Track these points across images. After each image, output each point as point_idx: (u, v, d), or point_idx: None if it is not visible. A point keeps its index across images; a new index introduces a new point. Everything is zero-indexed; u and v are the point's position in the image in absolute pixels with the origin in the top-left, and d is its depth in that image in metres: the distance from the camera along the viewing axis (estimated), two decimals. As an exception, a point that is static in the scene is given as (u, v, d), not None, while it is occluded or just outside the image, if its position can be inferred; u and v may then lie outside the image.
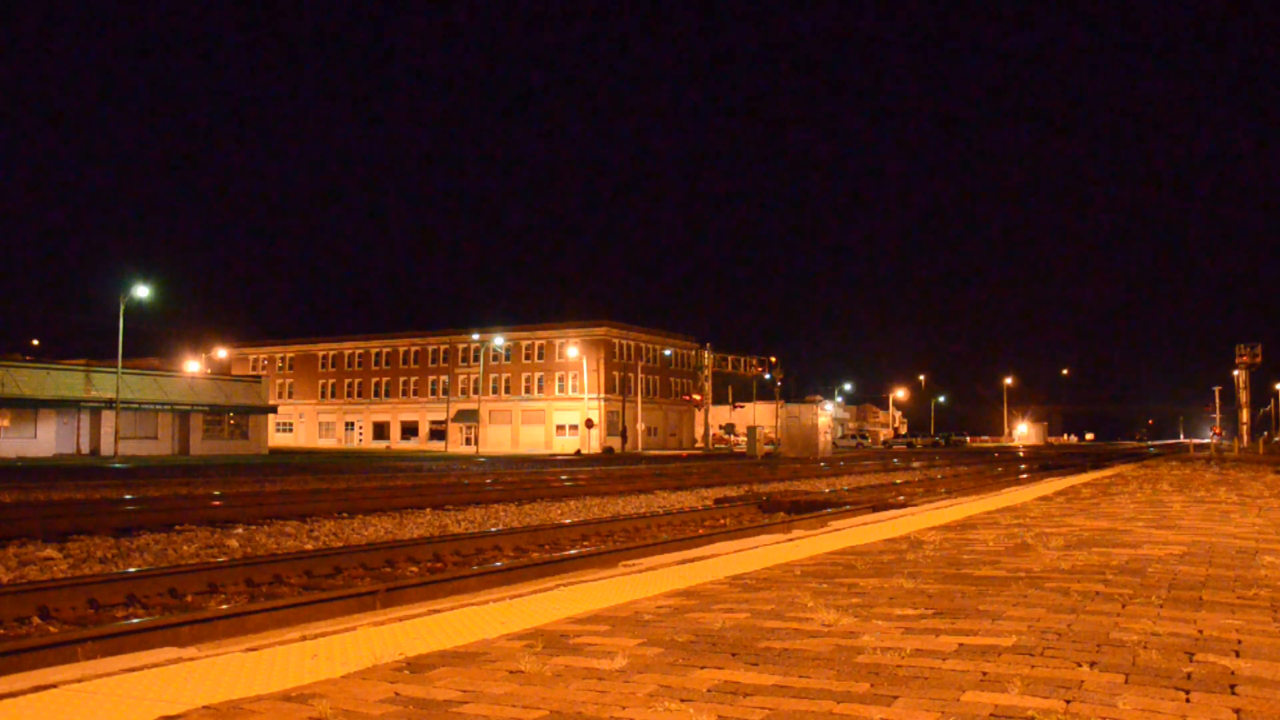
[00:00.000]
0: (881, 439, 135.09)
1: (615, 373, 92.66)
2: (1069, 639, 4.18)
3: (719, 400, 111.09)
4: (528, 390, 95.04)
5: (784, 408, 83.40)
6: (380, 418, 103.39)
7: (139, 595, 8.88)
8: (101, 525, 14.59)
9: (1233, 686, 3.38)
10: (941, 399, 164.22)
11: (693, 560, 7.17)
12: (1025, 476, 32.16)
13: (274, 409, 73.81)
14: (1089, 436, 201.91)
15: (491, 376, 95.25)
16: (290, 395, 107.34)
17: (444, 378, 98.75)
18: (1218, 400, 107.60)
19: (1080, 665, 3.69)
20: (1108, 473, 26.26)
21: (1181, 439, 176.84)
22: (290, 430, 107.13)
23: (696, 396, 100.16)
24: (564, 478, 30.79)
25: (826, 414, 78.30)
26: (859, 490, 25.21)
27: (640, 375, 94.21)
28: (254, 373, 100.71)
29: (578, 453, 78.20)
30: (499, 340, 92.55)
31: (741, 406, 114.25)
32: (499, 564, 11.22)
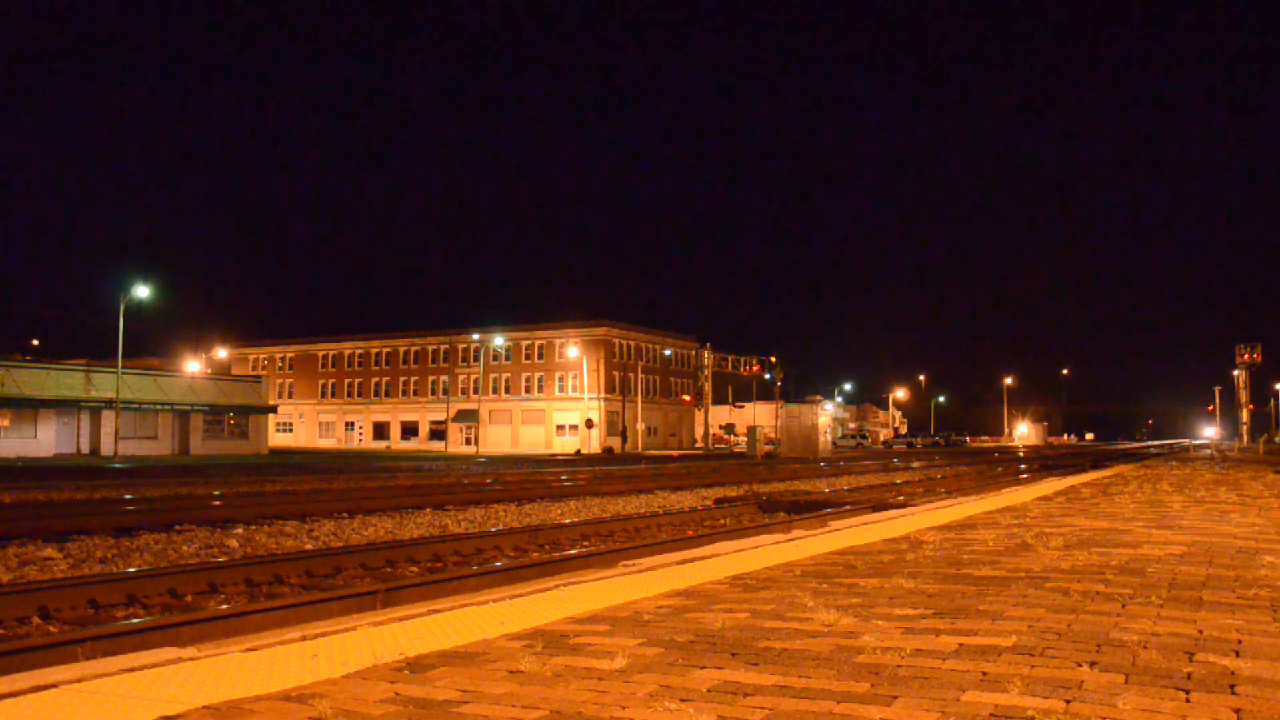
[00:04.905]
0: (881, 439, 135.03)
1: (615, 373, 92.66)
2: (1069, 639, 4.18)
3: (719, 400, 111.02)
4: (528, 390, 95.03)
5: (784, 408, 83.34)
6: (380, 418, 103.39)
7: (139, 595, 8.88)
8: (101, 525, 14.58)
9: (1233, 686, 3.38)
10: (941, 399, 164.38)
11: (693, 560, 7.17)
12: (1025, 476, 32.15)
13: (274, 409, 73.82)
14: (1089, 436, 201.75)
15: (491, 376, 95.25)
16: (290, 395, 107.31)
17: (444, 378, 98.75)
18: (1218, 400, 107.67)
19: (1080, 665, 3.69)
20: (1108, 473, 26.26)
21: (1181, 439, 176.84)
22: (290, 430, 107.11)
23: (687, 397, 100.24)
24: (564, 478, 30.79)
25: (826, 414, 78.24)
26: (859, 490, 25.21)
27: (640, 375, 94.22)
28: (254, 373, 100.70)
29: (578, 453, 78.20)
30: (499, 340, 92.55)
31: (741, 406, 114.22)
32: (499, 564, 11.22)
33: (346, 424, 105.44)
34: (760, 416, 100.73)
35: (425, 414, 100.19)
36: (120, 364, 54.88)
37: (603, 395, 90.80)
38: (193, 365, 79.04)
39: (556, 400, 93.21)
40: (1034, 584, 5.75)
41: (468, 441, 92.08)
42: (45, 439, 56.91)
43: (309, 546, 13.23)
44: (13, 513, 16.33)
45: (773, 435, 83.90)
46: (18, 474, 32.48)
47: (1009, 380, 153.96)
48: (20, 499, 20.24)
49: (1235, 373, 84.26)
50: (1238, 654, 3.88)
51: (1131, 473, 25.28)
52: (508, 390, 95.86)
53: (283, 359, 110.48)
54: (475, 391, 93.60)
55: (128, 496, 20.95)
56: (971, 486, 26.24)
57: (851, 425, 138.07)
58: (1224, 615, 4.72)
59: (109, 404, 56.21)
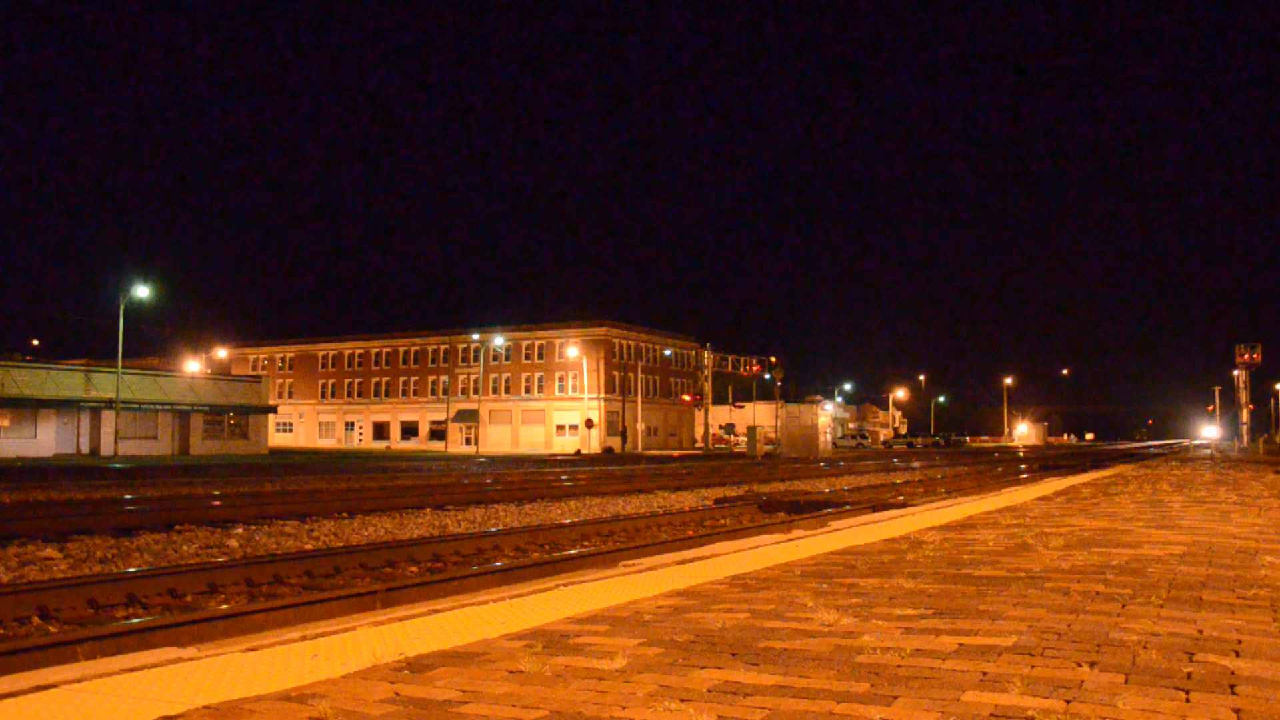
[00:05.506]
0: (881, 439, 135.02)
1: (615, 373, 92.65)
2: (1069, 639, 4.18)
3: (719, 400, 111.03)
4: (528, 390, 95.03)
5: (784, 408, 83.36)
6: (380, 418, 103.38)
7: (139, 595, 8.88)
8: (101, 525, 14.58)
9: (1233, 686, 3.38)
10: (941, 399, 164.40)
11: (693, 560, 7.17)
12: (1025, 476, 32.15)
13: (274, 409, 73.80)
14: (1089, 436, 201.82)
15: (491, 376, 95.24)
16: (290, 395, 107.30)
17: (444, 378, 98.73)
18: (1218, 400, 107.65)
19: (1080, 665, 3.69)
20: (1108, 473, 26.26)
21: (1181, 439, 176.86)
22: (290, 430, 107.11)
23: (687, 396, 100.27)
24: (564, 478, 30.79)
25: (826, 414, 78.40)
26: (859, 490, 25.20)
27: (640, 375, 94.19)
28: (254, 373, 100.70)
29: (578, 453, 78.19)
30: (499, 340, 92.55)
31: (741, 406, 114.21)
32: (499, 564, 11.21)
33: (346, 424, 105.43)
34: (760, 416, 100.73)
35: (425, 414, 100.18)
36: (120, 364, 54.87)
37: (603, 395, 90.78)
38: (193, 365, 79.09)
39: (556, 400, 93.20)
40: (1034, 584, 5.75)
41: (468, 441, 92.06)
42: (45, 439, 56.91)
43: (309, 546, 13.23)
44: (13, 513, 16.33)
45: (773, 435, 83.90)
46: (18, 474, 32.47)
47: (1009, 380, 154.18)
48: (20, 499, 20.24)
49: (1235, 373, 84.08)
50: (1238, 654, 3.88)
51: (1131, 473, 25.28)
52: (508, 390, 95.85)
53: (283, 359, 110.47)
54: (475, 391, 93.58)
55: (128, 496, 20.95)
56: (971, 486, 26.24)
57: (851, 425, 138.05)
58: (1224, 615, 4.72)
59: (109, 404, 56.21)
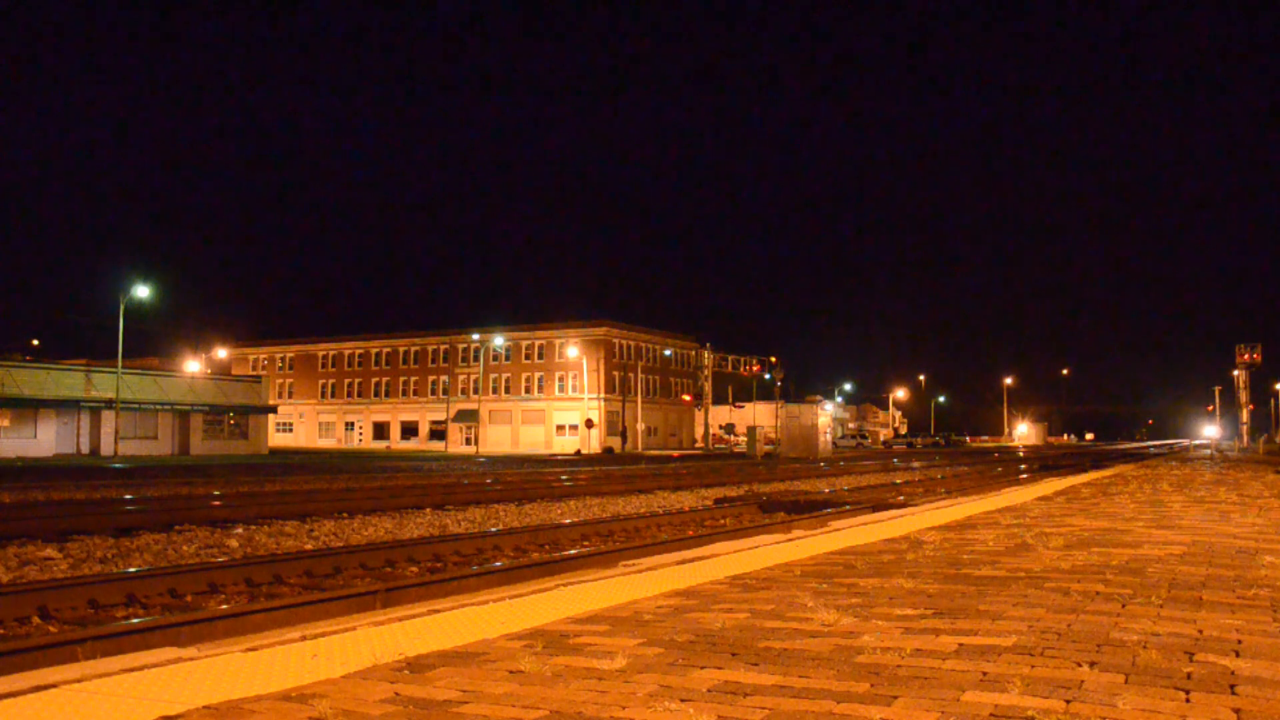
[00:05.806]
0: (881, 439, 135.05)
1: (615, 373, 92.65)
2: (1069, 639, 4.18)
3: (719, 400, 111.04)
4: (528, 390, 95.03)
5: (784, 408, 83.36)
6: (380, 418, 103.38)
7: (139, 595, 8.88)
8: (101, 525, 14.58)
9: (1233, 686, 3.38)
10: (941, 399, 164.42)
11: (693, 560, 7.17)
12: (1025, 476, 32.15)
13: (274, 409, 73.79)
14: (1089, 436, 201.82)
15: (491, 376, 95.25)
16: (290, 395, 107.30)
17: (444, 378, 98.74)
18: (1218, 400, 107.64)
19: (1080, 665, 3.69)
20: (1108, 473, 26.26)
21: (1181, 439, 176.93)
22: (290, 430, 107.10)
23: (687, 396, 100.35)
24: (564, 478, 30.79)
25: (826, 414, 78.38)
26: (859, 490, 25.20)
27: (640, 375, 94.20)
28: (254, 373, 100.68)
29: (578, 453, 78.19)
30: (499, 340, 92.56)
31: (741, 406, 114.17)
32: (499, 564, 11.22)
33: (346, 424, 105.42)
34: (760, 416, 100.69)
35: (425, 414, 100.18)
36: (120, 364, 54.89)
37: (603, 395, 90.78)
38: (193, 365, 79.08)
39: (556, 400, 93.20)
40: (1034, 584, 5.75)
41: (468, 441, 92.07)
42: (45, 439, 56.90)
43: (309, 546, 13.23)
44: (13, 513, 16.33)
45: (773, 435, 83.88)
46: (18, 474, 32.47)
47: (1009, 380, 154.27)
48: (20, 499, 20.24)
49: (1235, 373, 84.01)
50: (1238, 654, 3.88)
51: (1131, 473, 25.28)
52: (508, 390, 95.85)
53: (283, 359, 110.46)
54: (475, 391, 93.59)
55: (128, 496, 20.95)
56: (971, 486, 26.24)
57: (851, 425, 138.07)
58: (1224, 615, 4.72)
59: (109, 404, 56.21)
